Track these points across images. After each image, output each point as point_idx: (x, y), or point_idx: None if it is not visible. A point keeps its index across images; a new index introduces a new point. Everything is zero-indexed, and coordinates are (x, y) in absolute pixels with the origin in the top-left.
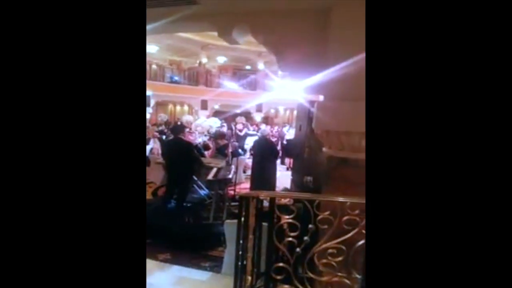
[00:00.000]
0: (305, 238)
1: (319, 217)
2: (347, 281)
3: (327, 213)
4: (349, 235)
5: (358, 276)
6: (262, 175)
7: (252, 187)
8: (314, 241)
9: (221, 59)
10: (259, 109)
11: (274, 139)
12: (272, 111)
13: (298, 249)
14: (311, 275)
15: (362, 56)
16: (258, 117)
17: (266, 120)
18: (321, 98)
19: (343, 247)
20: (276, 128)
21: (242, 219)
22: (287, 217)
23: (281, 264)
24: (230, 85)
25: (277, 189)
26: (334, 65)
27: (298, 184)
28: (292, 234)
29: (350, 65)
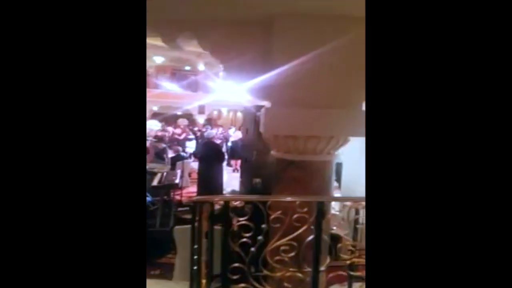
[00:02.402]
0: (259, 237)
1: (272, 217)
2: (299, 274)
3: (279, 212)
4: (300, 231)
5: (309, 269)
6: (209, 178)
7: (199, 191)
8: (266, 240)
9: (159, 59)
10: (201, 110)
11: (218, 141)
12: (215, 112)
13: (252, 249)
14: (266, 272)
15: (305, 65)
16: (200, 119)
17: (209, 122)
18: (267, 104)
19: (295, 243)
20: (220, 129)
21: (196, 223)
22: (240, 219)
23: (236, 265)
24: (169, 86)
25: (224, 191)
26: (279, 72)
27: (247, 186)
28: (246, 234)
29: (295, 73)
